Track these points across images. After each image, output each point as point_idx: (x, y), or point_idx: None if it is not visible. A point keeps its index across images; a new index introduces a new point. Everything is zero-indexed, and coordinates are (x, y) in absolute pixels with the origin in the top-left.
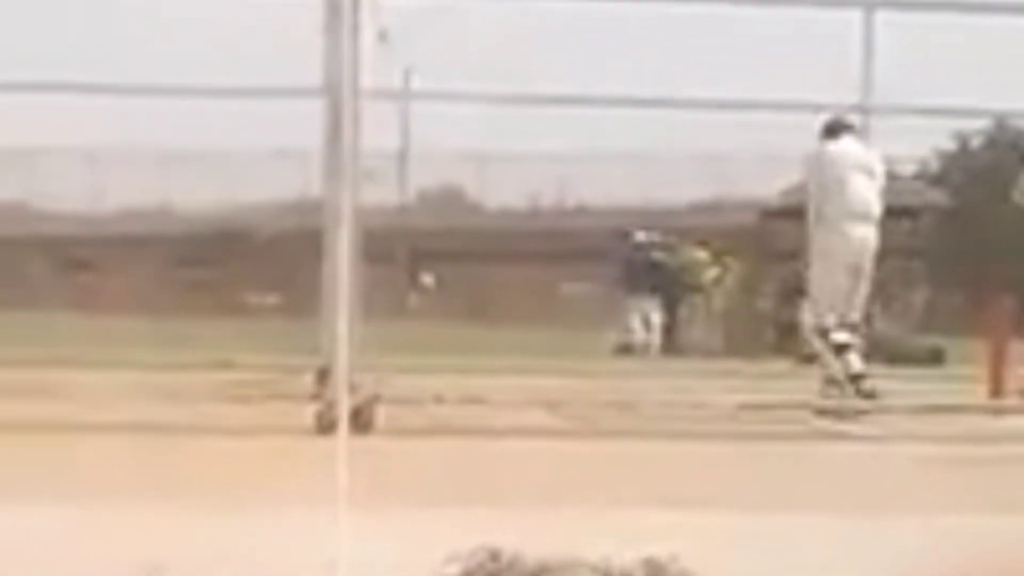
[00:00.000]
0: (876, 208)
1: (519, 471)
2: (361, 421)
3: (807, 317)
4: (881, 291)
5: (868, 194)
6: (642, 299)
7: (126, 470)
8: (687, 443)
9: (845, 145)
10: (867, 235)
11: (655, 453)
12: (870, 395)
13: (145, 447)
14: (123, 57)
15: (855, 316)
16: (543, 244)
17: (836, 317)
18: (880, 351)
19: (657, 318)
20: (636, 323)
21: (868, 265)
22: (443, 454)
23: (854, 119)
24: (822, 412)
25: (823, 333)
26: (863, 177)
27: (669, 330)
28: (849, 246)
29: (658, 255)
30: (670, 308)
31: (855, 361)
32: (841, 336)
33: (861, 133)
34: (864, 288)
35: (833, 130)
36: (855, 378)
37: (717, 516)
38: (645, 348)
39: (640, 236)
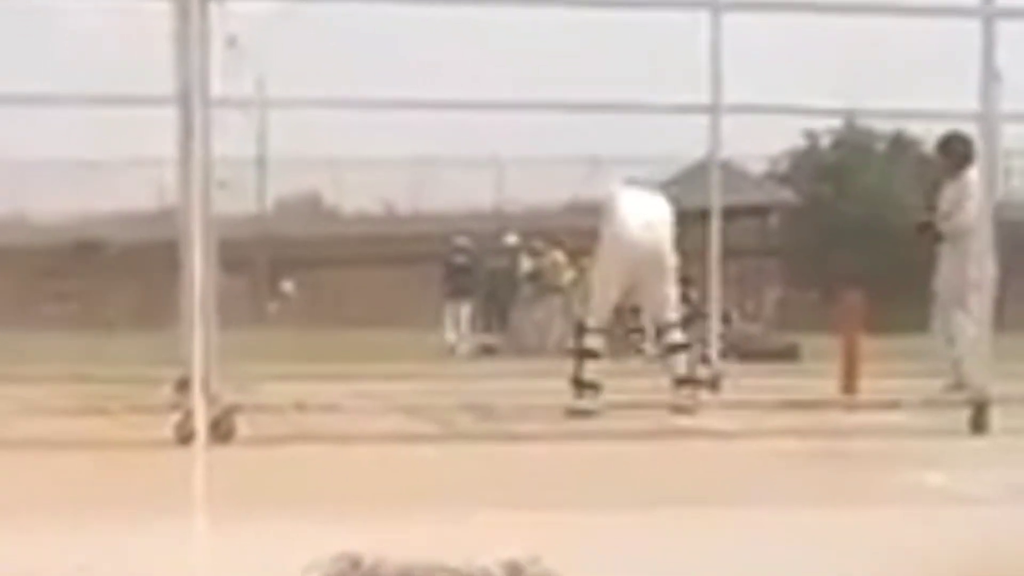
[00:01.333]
0: (659, 214)
1: (380, 477)
2: (221, 430)
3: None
4: (735, 288)
5: (647, 207)
6: (459, 303)
7: None
8: (545, 444)
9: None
10: (652, 238)
11: (514, 455)
12: (579, 411)
13: (2, 463)
14: None
15: (670, 316)
16: (400, 249)
17: (600, 321)
18: (735, 348)
19: (466, 321)
20: (451, 326)
21: (660, 266)
22: (305, 462)
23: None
24: (678, 409)
25: (580, 331)
26: (642, 196)
27: (528, 331)
28: (629, 249)
29: (490, 258)
30: (500, 309)
31: (590, 370)
32: (593, 341)
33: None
34: (667, 288)
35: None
36: (582, 384)
37: (578, 515)
38: (462, 349)
39: (461, 240)
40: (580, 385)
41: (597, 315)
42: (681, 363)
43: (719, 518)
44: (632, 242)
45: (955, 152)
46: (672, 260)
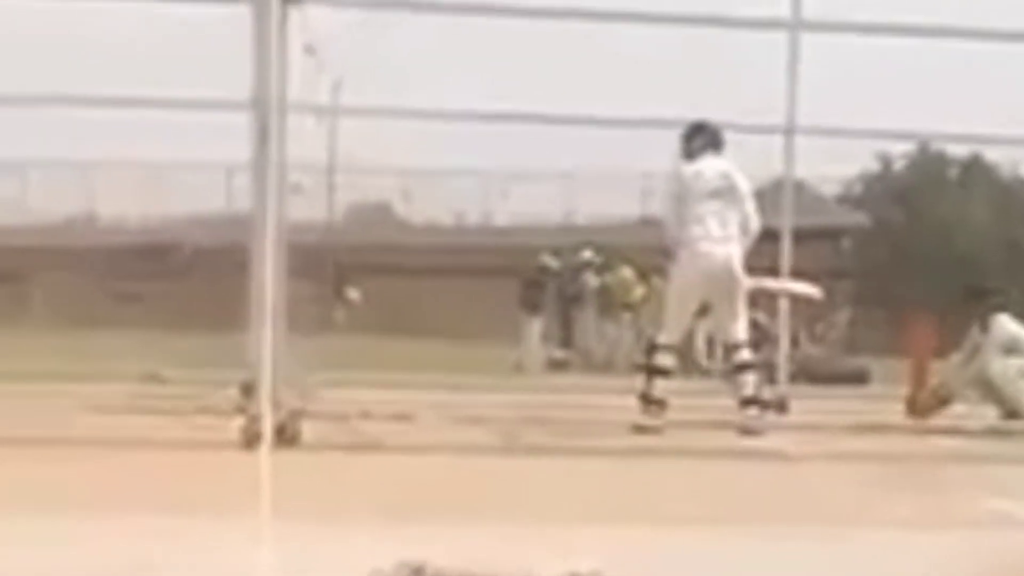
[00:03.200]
0: (732, 229)
1: (444, 487)
2: (286, 436)
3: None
4: (805, 310)
5: (723, 218)
6: (535, 318)
7: (50, 483)
8: (612, 459)
9: (702, 166)
10: (728, 255)
11: (580, 469)
12: (645, 427)
13: (71, 460)
14: (49, 67)
15: (739, 335)
16: (469, 260)
17: (673, 339)
18: (805, 371)
19: (537, 336)
20: (532, 341)
21: (736, 285)
22: (369, 469)
23: (716, 128)
24: (745, 430)
25: (651, 349)
26: (717, 204)
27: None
28: (705, 267)
29: (571, 275)
30: (567, 325)
31: (659, 387)
32: (664, 359)
33: (723, 145)
34: (739, 308)
35: (694, 140)
36: (649, 401)
37: (641, 531)
38: (536, 364)
39: (546, 259)
40: (648, 401)
41: (670, 332)
42: (750, 383)
43: (783, 538)
44: (709, 259)
45: None
46: (744, 278)
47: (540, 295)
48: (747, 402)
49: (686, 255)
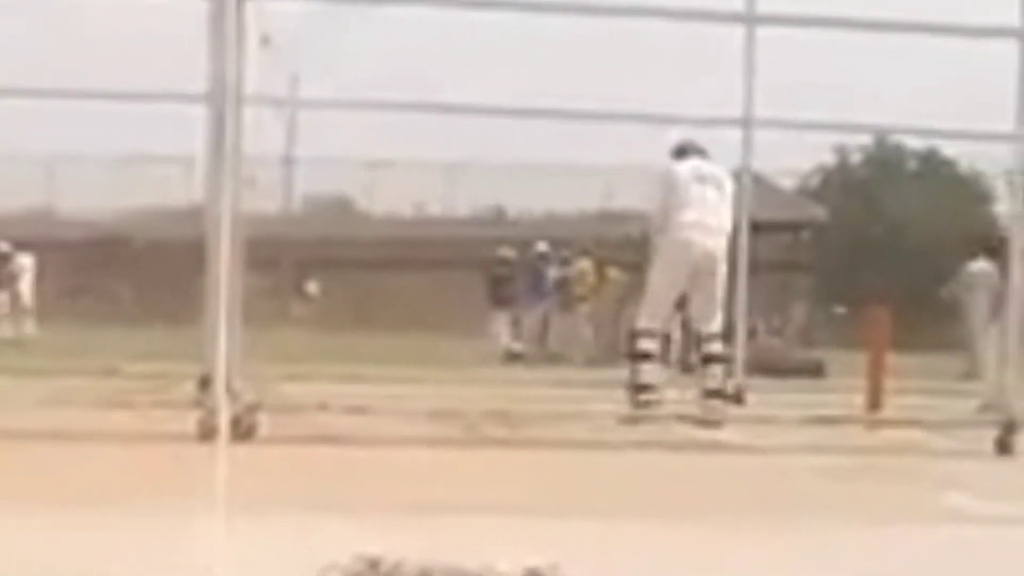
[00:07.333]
0: (725, 221)
1: (401, 480)
2: (242, 429)
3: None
4: (762, 303)
5: (716, 207)
6: (500, 312)
7: (5, 476)
8: (569, 452)
9: (692, 163)
10: (714, 246)
11: (537, 462)
12: (640, 410)
13: (27, 453)
14: (8, 59)
15: (713, 327)
16: (429, 252)
17: (653, 324)
18: (760, 363)
19: (506, 328)
20: (504, 332)
21: (715, 276)
22: (325, 462)
23: (701, 143)
24: (704, 423)
25: (634, 335)
26: (710, 190)
27: (550, 339)
28: (690, 255)
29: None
30: (546, 318)
31: (648, 373)
32: (647, 344)
33: (709, 155)
34: (715, 299)
35: (681, 151)
36: (639, 388)
37: (599, 524)
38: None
39: (504, 251)
40: (637, 388)
41: (655, 318)
42: (717, 375)
43: (739, 531)
44: (691, 246)
45: None
46: (724, 269)
47: (507, 288)
48: (711, 394)
49: (671, 243)
